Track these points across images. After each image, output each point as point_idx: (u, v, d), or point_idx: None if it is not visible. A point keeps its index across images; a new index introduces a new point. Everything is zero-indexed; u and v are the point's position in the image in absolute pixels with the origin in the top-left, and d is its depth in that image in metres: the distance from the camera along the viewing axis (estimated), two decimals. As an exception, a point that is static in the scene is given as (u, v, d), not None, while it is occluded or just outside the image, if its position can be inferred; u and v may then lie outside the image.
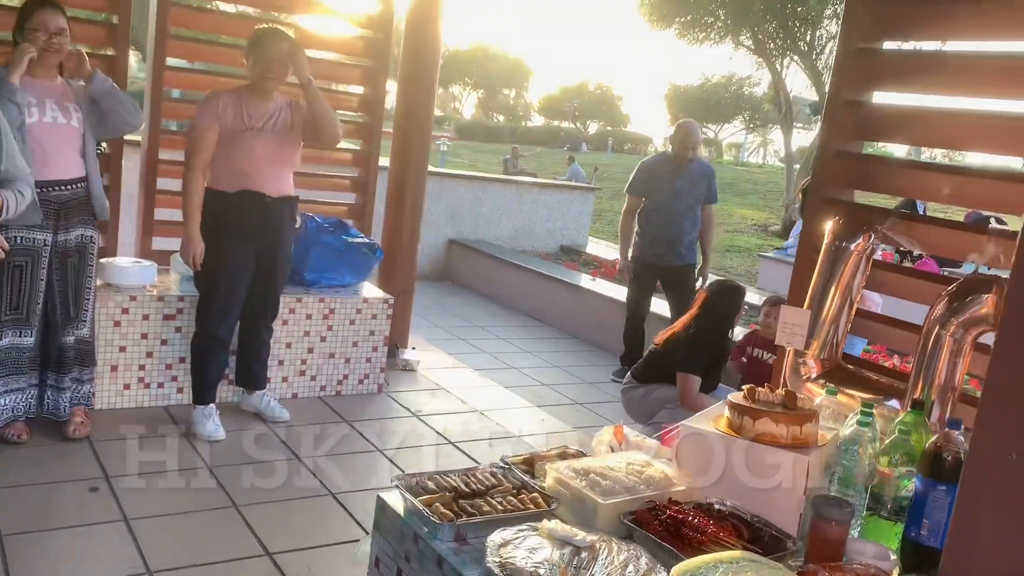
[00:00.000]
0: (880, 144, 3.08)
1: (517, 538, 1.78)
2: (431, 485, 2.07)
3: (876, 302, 3.65)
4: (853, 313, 2.44)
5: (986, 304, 2.06)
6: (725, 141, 54.22)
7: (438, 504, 1.94)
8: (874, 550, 1.77)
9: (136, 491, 3.11)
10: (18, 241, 3.25)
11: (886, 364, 4.54)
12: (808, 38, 19.06)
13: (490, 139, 44.32)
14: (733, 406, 2.06)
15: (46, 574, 2.52)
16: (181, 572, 2.62)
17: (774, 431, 1.99)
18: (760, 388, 2.11)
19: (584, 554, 1.72)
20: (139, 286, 3.93)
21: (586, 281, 7.66)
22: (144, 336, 3.90)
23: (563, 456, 2.32)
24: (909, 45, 2.57)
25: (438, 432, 4.10)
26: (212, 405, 3.79)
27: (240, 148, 3.60)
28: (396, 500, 2.03)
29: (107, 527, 2.81)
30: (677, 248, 5.59)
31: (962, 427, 1.82)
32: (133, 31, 4.21)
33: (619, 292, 6.93)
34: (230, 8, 4.44)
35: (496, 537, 1.77)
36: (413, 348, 5.20)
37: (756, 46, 20.00)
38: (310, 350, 4.32)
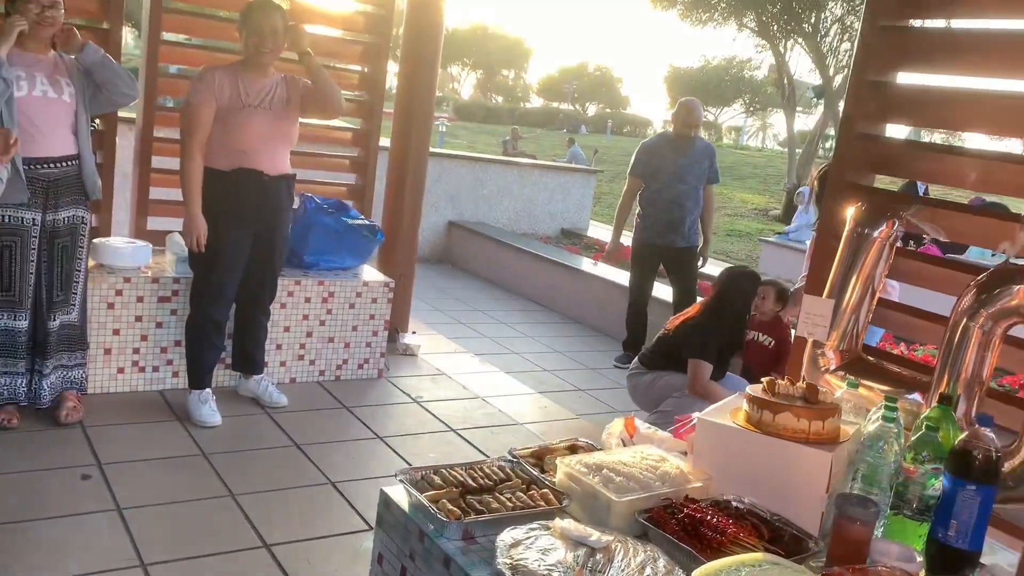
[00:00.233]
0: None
1: (528, 538, 1.70)
2: (437, 480, 1.98)
3: (893, 287, 3.55)
4: (875, 303, 2.36)
5: (1017, 295, 1.98)
6: (724, 124, 54.00)
7: (444, 500, 1.86)
8: (899, 551, 1.70)
9: (130, 479, 3.03)
10: (5, 221, 3.15)
11: (893, 352, 4.45)
12: (812, 20, 18.87)
13: (488, 120, 44.08)
14: (752, 399, 1.98)
15: (35, 566, 2.43)
16: (176, 565, 2.54)
17: (795, 426, 1.91)
18: (780, 380, 2.02)
19: (599, 555, 1.64)
20: (133, 267, 3.82)
21: (587, 265, 7.57)
22: (138, 319, 3.80)
23: (573, 449, 2.24)
24: (937, 23, 2.46)
25: (439, 419, 4.01)
26: (208, 390, 3.70)
27: (237, 126, 3.49)
28: (400, 495, 1.95)
29: (100, 516, 2.73)
30: (680, 229, 5.49)
31: (993, 423, 1.74)
32: (127, 4, 4.08)
33: (621, 276, 6.84)
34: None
35: (506, 537, 1.69)
36: (413, 332, 5.11)
37: (759, 28, 19.82)
38: (309, 334, 4.23)
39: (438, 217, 8.94)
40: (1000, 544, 1.99)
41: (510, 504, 1.88)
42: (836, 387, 2.26)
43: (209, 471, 3.18)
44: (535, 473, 2.05)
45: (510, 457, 2.15)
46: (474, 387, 4.53)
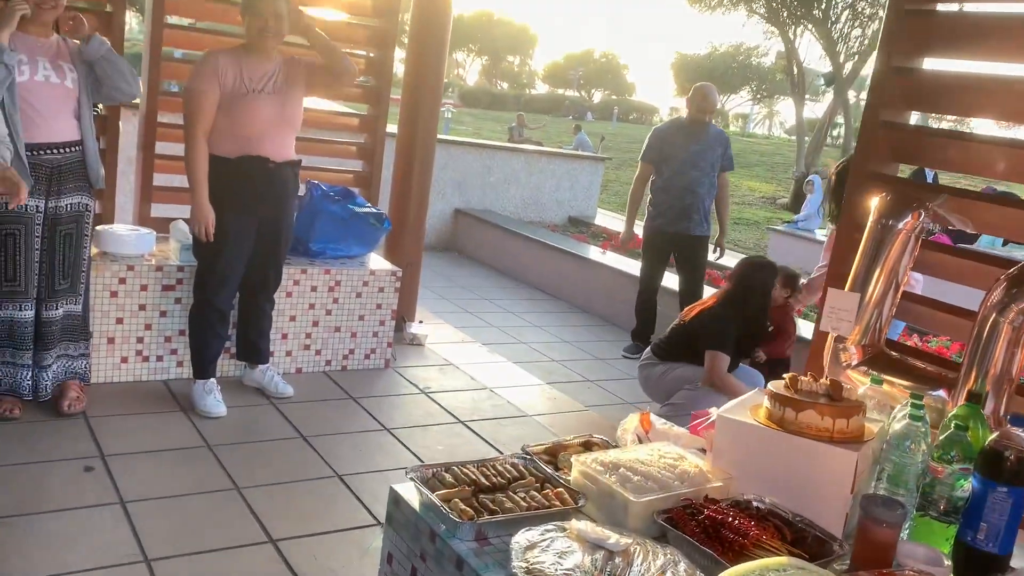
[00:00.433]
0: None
1: (544, 540, 1.64)
2: (448, 477, 1.92)
3: (917, 279, 3.46)
4: (899, 296, 2.28)
5: (1051, 290, 1.91)
6: (731, 112, 53.74)
7: (457, 500, 1.80)
8: (926, 554, 1.64)
9: (133, 471, 2.97)
10: (8, 208, 3.08)
11: (906, 343, 4.38)
12: (823, 6, 18.69)
13: (494, 106, 43.93)
14: (774, 396, 1.91)
15: (36, 560, 2.39)
16: (179, 560, 2.49)
17: (819, 424, 1.85)
18: (803, 377, 1.96)
19: (618, 559, 1.58)
20: (137, 255, 3.77)
21: (595, 253, 7.50)
22: (142, 307, 3.75)
23: (587, 446, 2.18)
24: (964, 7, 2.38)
25: (447, 410, 3.96)
26: (213, 380, 3.65)
27: (243, 112, 3.42)
28: (411, 494, 1.89)
29: (102, 510, 2.68)
30: (692, 216, 5.40)
31: (1024, 423, 1.68)
32: (131, -13, 4.01)
33: (629, 265, 6.78)
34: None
35: (521, 539, 1.63)
36: (420, 322, 5.05)
37: (769, 14, 19.64)
38: (315, 323, 4.17)
39: (445, 205, 8.86)
40: (1031, 548, 1.93)
41: (524, 504, 1.82)
42: (859, 383, 2.19)
43: (214, 463, 3.13)
44: (549, 471, 1.99)
45: (523, 454, 2.09)
46: (482, 377, 4.47)
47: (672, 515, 1.74)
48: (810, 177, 14.10)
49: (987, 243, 8.16)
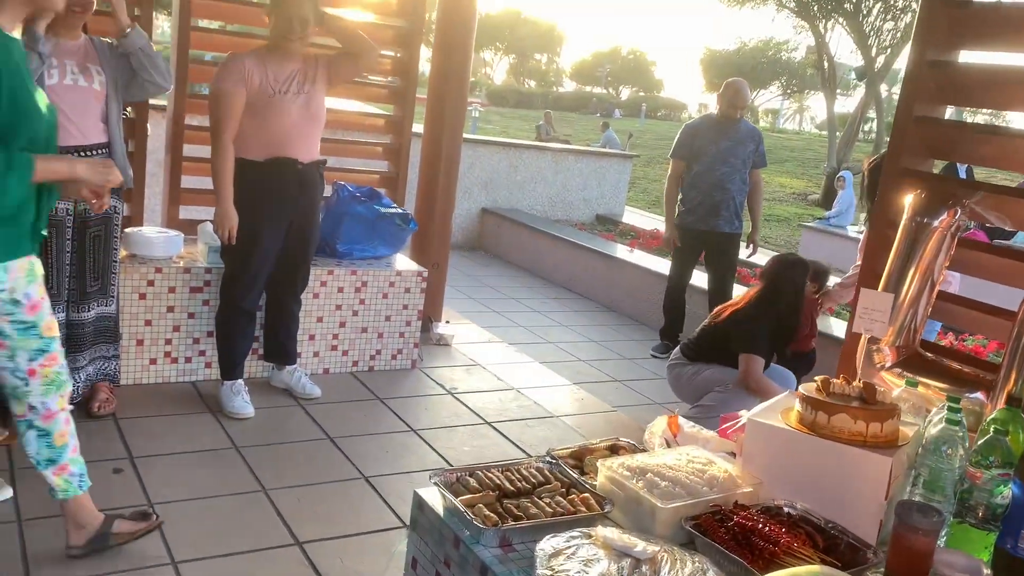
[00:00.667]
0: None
1: (569, 547, 1.61)
2: (472, 482, 1.90)
3: (953, 278, 3.38)
4: (934, 296, 2.22)
5: (1094, 289, 1.84)
6: (761, 107, 53.25)
7: (481, 505, 1.78)
8: (965, 562, 1.59)
9: (161, 473, 2.99)
10: (88, 212, 3.10)
11: (942, 343, 4.29)
12: (854, -1, 18.44)
13: (521, 105, 43.88)
14: (806, 399, 1.87)
15: (65, 562, 2.40)
16: (206, 563, 2.49)
17: (852, 428, 1.80)
18: (835, 380, 1.91)
19: (645, 567, 1.55)
20: (165, 257, 3.79)
21: (623, 252, 7.45)
22: (170, 309, 3.77)
23: (614, 450, 2.15)
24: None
25: (474, 411, 3.94)
26: (240, 381, 3.66)
27: (271, 115, 3.42)
28: (434, 498, 1.87)
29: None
30: (722, 213, 5.33)
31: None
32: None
33: (658, 264, 6.72)
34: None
35: (546, 546, 1.60)
36: (447, 322, 5.04)
37: (799, 8, 19.40)
38: (342, 324, 4.17)
39: (471, 204, 8.85)
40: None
41: (549, 510, 1.80)
42: (893, 385, 2.14)
43: (241, 465, 3.14)
44: (575, 476, 1.96)
45: (549, 458, 2.06)
46: (509, 378, 4.45)
47: (700, 522, 1.71)
48: (841, 173, 13.91)
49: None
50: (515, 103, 45.16)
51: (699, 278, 5.81)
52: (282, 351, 3.87)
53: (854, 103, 23.06)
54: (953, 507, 1.71)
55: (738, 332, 3.86)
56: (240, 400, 3.60)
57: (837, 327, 4.97)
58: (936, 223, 2.17)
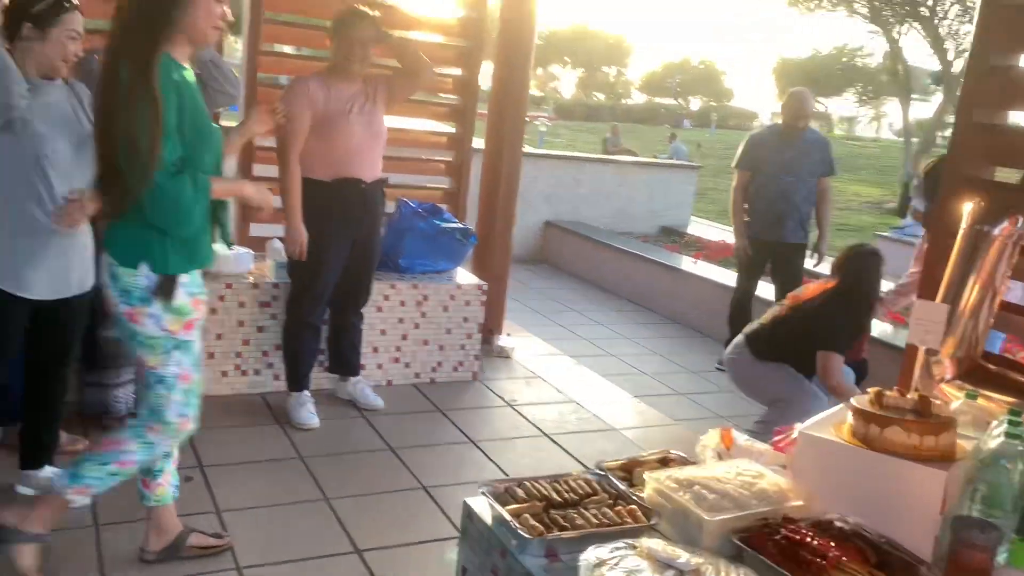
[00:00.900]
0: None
1: (613, 557, 1.62)
2: (520, 493, 1.93)
3: (1017, 285, 3.25)
4: (996, 306, 2.16)
5: None
6: (836, 115, 52.08)
7: (527, 515, 1.80)
8: (1026, 581, 1.54)
9: (229, 481, 3.10)
10: None
11: (1008, 356, 4.11)
12: (930, 2, 17.91)
13: (590, 118, 43.89)
14: (858, 412, 1.84)
15: (136, 566, 2.52)
16: (270, 569, 2.58)
17: (905, 441, 1.77)
18: (889, 391, 1.88)
19: (688, 578, 1.55)
20: (236, 273, 3.93)
21: (687, 264, 7.39)
22: (240, 323, 3.91)
23: (664, 462, 2.15)
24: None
25: (533, 423, 3.97)
26: (307, 392, 3.77)
27: (336, 135, 3.53)
28: (483, 508, 1.90)
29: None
30: (787, 223, 5.26)
31: None
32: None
33: (723, 275, 6.65)
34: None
35: (590, 556, 1.62)
36: (508, 334, 5.08)
37: (871, 13, 18.96)
38: (404, 337, 4.26)
39: (535, 217, 8.90)
40: None
41: (595, 520, 1.81)
42: (953, 398, 2.09)
43: (305, 474, 3.23)
44: (622, 488, 1.96)
45: (597, 470, 2.07)
46: (569, 391, 4.46)
47: (748, 535, 1.70)
48: (917, 180, 13.50)
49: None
50: (583, 116, 45.21)
51: (765, 289, 5.73)
52: (346, 363, 3.97)
53: (933, 108, 22.37)
54: (1014, 523, 1.66)
55: (817, 329, 3.65)
56: (306, 411, 3.70)
57: (901, 337, 4.83)
58: (997, 231, 2.11)
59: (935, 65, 19.70)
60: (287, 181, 3.54)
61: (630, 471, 2.09)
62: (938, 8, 18.12)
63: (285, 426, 3.65)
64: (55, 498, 2.35)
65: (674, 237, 9.89)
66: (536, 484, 1.96)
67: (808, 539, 1.65)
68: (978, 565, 1.52)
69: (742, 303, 5.58)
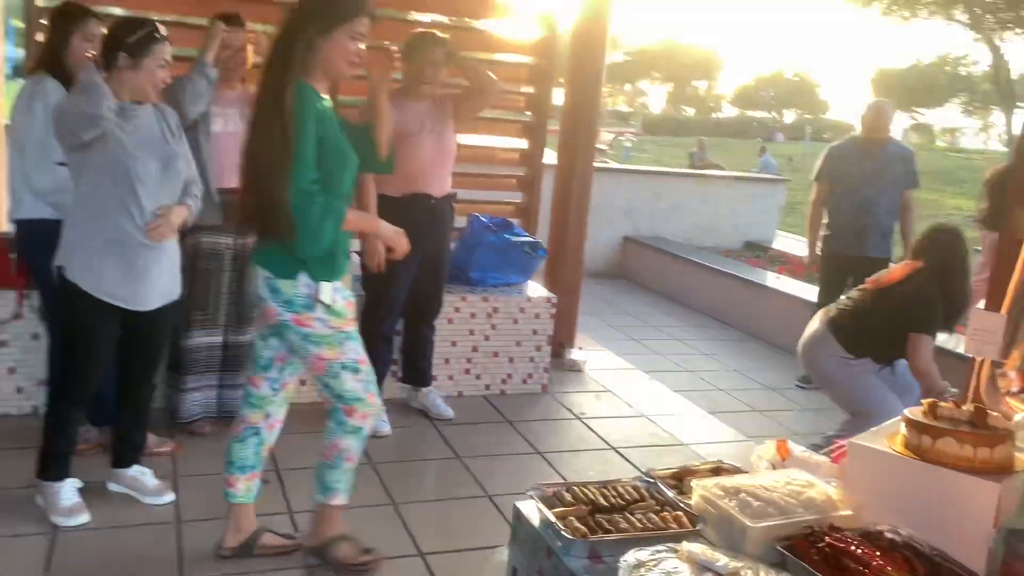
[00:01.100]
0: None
1: (653, 560, 1.65)
2: (568, 497, 1.97)
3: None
4: (1065, 317, 2.09)
5: None
6: (940, 126, 50.12)
7: (572, 518, 1.85)
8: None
9: (304, 485, 3.19)
10: (204, 246, 3.47)
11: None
12: (1033, 7, 17.15)
13: (678, 133, 43.44)
14: (911, 423, 1.82)
15: (212, 560, 2.66)
16: (337, 569, 2.68)
17: (959, 453, 1.74)
18: (943, 403, 1.84)
19: (725, 583, 1.56)
20: (315, 286, 4.09)
21: (770, 279, 7.25)
22: (319, 334, 4.05)
23: (716, 472, 2.16)
24: None
25: (600, 436, 3.98)
26: (380, 401, 3.88)
27: (407, 152, 3.65)
28: (531, 511, 1.96)
29: (274, 519, 2.92)
30: (869, 238, 5.12)
31: None
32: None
33: (806, 291, 6.50)
34: (424, 17, 4.57)
35: (630, 557, 1.65)
36: (580, 348, 5.11)
37: (972, 20, 18.25)
38: (475, 349, 4.34)
39: (613, 232, 8.89)
40: None
41: (639, 525, 1.84)
42: (1017, 410, 2.03)
43: (375, 479, 3.33)
44: (669, 495, 1.99)
45: (647, 478, 2.10)
46: (639, 405, 4.46)
47: (792, 542, 1.70)
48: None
49: None
50: (672, 131, 44.78)
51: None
52: (418, 374, 4.08)
53: (1042, 117, 21.30)
54: (1074, 540, 1.61)
55: (908, 314, 3.50)
56: (379, 420, 3.82)
57: (956, 343, 4.63)
58: (1065, 240, 2.05)
59: (1042, 72, 18.83)
60: (366, 197, 3.68)
61: (681, 479, 2.11)
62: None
63: (359, 433, 3.77)
64: (322, 510, 2.70)
65: (758, 252, 9.72)
66: (584, 488, 2.00)
67: (852, 547, 1.65)
68: (1032, 580, 1.49)
69: (822, 318, 5.45)
